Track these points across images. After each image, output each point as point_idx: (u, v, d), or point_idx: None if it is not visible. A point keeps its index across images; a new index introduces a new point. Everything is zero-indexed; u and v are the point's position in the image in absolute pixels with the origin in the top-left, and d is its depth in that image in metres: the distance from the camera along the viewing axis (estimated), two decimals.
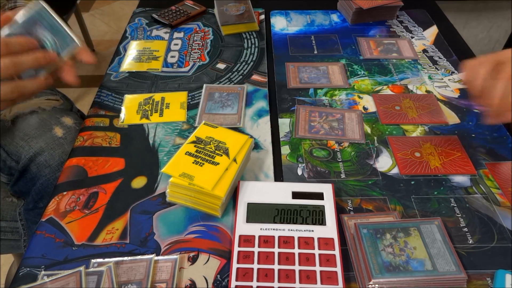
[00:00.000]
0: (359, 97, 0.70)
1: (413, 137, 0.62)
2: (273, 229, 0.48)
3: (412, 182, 0.56)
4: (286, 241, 0.47)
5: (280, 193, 0.51)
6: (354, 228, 0.48)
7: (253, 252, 0.46)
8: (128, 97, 0.70)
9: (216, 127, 0.56)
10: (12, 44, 0.47)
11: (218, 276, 0.46)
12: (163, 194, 0.54)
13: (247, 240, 0.47)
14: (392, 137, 0.62)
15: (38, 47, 0.50)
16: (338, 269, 0.44)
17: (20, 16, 0.51)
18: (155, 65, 0.77)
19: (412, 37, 0.85)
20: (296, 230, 0.48)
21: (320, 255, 0.46)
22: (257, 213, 0.50)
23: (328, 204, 0.50)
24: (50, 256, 0.47)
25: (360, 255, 0.46)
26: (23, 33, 0.50)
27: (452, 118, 0.66)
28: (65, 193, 0.54)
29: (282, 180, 0.56)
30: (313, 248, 0.46)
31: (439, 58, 0.80)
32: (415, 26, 0.89)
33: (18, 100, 0.50)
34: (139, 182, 0.56)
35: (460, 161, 0.58)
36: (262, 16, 0.92)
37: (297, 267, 0.45)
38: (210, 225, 0.51)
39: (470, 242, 0.49)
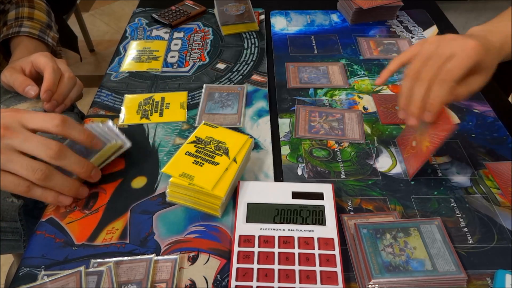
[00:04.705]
0: (359, 97, 0.70)
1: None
2: (273, 229, 0.48)
3: (412, 182, 0.56)
4: (286, 241, 0.47)
5: (280, 193, 0.51)
6: (354, 228, 0.48)
7: (253, 252, 0.46)
8: (128, 97, 0.70)
9: (216, 127, 0.56)
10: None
11: (218, 276, 0.46)
12: (163, 194, 0.54)
13: (247, 240, 0.47)
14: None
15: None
16: (338, 269, 0.44)
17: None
18: (155, 65, 0.77)
19: (412, 37, 0.85)
20: (296, 230, 0.48)
21: (320, 255, 0.46)
22: (257, 213, 0.50)
23: (328, 204, 0.50)
24: (50, 256, 0.47)
25: (360, 255, 0.46)
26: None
27: (452, 118, 0.66)
28: None
29: (282, 180, 0.56)
30: (313, 248, 0.46)
31: None
32: (415, 26, 0.89)
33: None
34: (139, 182, 0.56)
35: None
36: (262, 16, 0.92)
37: (297, 267, 0.45)
38: (210, 225, 0.51)
39: (470, 242, 0.49)
